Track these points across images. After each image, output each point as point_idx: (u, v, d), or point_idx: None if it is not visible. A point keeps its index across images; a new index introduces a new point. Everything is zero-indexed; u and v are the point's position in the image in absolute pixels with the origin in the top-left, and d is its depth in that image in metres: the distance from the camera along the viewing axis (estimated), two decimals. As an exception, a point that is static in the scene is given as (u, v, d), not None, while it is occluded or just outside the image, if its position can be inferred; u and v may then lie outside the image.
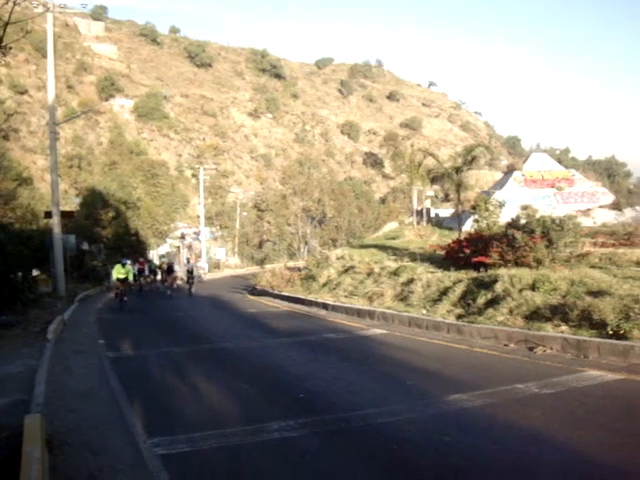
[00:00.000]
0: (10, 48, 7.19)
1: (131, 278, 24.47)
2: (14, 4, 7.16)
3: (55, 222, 28.29)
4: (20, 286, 22.45)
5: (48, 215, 30.66)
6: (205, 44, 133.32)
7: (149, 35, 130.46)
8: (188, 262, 37.97)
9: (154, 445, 6.76)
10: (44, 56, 33.34)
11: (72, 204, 52.20)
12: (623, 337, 10.40)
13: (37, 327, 16.80)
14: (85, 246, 40.47)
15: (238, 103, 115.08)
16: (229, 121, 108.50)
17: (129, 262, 26.90)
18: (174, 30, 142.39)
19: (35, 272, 29.51)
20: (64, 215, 30.65)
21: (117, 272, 24.11)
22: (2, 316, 18.00)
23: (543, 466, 5.71)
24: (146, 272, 36.44)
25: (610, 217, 47.16)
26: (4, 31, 7.02)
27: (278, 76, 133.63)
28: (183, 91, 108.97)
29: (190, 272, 34.00)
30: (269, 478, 5.87)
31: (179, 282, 39.28)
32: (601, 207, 50.83)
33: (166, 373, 11.08)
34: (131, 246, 49.48)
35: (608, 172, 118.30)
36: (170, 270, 34.70)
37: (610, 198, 53.26)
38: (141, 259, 38.13)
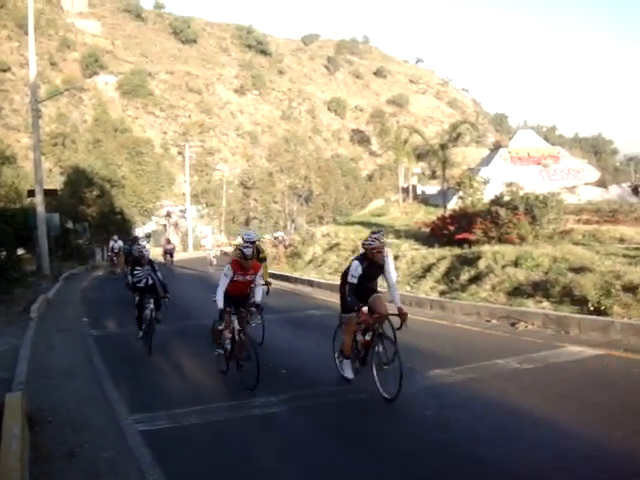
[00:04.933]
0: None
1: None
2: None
3: (38, 201, 28.01)
4: (4, 265, 22.31)
5: (31, 194, 30.35)
6: (190, 20, 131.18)
7: (133, 11, 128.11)
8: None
9: (135, 421, 6.82)
10: (26, 33, 32.77)
11: (57, 182, 51.65)
12: (604, 313, 10.48)
13: (21, 306, 16.74)
14: (69, 225, 40.24)
15: (224, 80, 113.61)
16: (215, 98, 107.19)
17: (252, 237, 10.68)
18: (159, 6, 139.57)
19: (19, 251, 29.31)
20: (47, 193, 30.30)
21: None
22: (-14, 295, 17.92)
23: (520, 440, 5.79)
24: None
25: (596, 194, 47.49)
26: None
27: (264, 52, 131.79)
28: (168, 68, 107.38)
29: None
30: (248, 452, 5.91)
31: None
32: (587, 184, 51.15)
33: (149, 351, 11.06)
34: (116, 224, 49.17)
35: (595, 149, 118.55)
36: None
37: (596, 175, 53.59)
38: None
